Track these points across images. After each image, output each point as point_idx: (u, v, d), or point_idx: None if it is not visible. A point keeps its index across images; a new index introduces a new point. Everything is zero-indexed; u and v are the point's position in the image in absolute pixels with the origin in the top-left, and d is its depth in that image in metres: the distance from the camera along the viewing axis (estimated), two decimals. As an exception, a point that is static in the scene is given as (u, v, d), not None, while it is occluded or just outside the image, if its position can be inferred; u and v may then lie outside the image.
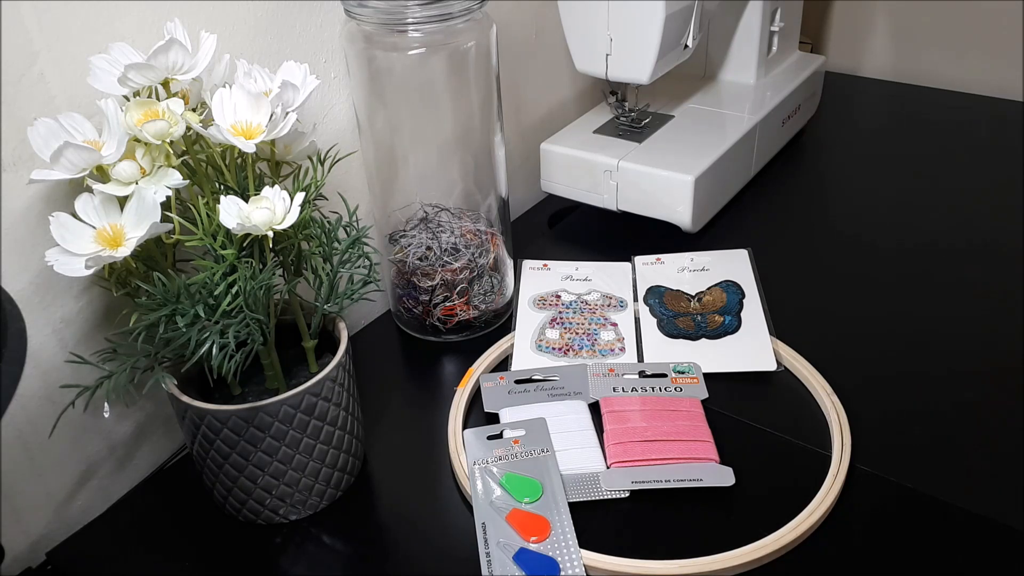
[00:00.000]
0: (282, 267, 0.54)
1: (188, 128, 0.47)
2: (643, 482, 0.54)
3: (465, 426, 0.61)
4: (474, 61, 0.63)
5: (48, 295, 0.53)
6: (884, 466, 0.55)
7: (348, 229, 0.55)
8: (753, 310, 0.69)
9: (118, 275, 0.49)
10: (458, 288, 0.68)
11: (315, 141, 0.56)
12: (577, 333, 0.68)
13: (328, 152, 0.56)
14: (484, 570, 0.49)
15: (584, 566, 0.49)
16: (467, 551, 0.51)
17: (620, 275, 0.75)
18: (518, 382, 0.63)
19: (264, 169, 0.54)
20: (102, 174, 0.46)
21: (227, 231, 0.47)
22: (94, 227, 0.46)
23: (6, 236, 0.50)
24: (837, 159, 0.95)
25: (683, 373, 0.63)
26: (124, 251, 0.45)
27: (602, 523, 0.53)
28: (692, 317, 0.69)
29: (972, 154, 0.93)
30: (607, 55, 0.77)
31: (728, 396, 0.62)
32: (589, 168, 0.81)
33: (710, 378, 0.63)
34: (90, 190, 0.46)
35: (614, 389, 0.62)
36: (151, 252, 0.49)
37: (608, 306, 0.71)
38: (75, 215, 0.46)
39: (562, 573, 0.48)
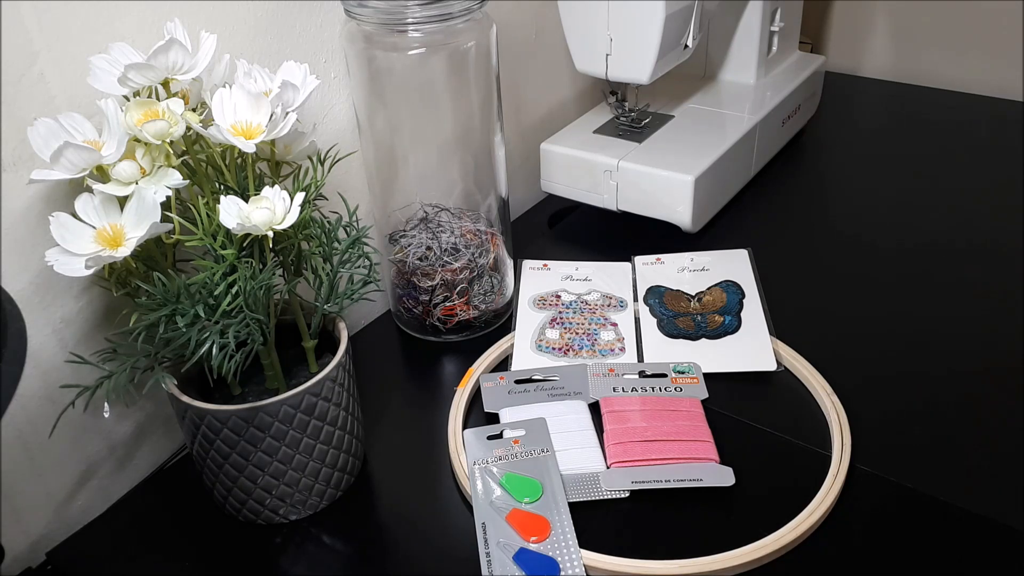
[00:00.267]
0: (282, 267, 0.54)
1: (188, 128, 0.47)
2: (643, 482, 0.54)
3: (465, 426, 0.61)
4: (474, 61, 0.63)
5: (48, 295, 0.53)
6: (884, 466, 0.55)
7: (348, 229, 0.55)
8: (753, 310, 0.69)
9: (118, 275, 0.49)
10: (458, 288, 0.68)
11: (315, 141, 0.56)
12: (577, 333, 0.68)
13: (328, 152, 0.56)
14: (484, 570, 0.49)
15: (584, 566, 0.49)
16: (467, 551, 0.51)
17: (620, 275, 0.75)
18: (518, 382, 0.63)
19: (264, 169, 0.54)
20: (102, 174, 0.46)
21: (227, 231, 0.47)
22: (94, 227, 0.46)
23: (6, 236, 0.50)
24: (837, 159, 0.95)
25: (683, 373, 0.63)
26: (124, 251, 0.45)
27: (602, 523, 0.53)
28: (692, 317, 0.69)
29: (972, 154, 0.93)
30: (607, 55, 0.77)
31: (728, 396, 0.62)
32: (589, 168, 0.81)
33: (710, 378, 0.63)
34: (90, 190, 0.46)
35: (614, 389, 0.62)
36: (151, 252, 0.49)
37: (608, 306, 0.71)
38: (75, 215, 0.46)
39: (562, 573, 0.48)
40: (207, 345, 0.47)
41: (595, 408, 0.61)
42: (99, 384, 0.49)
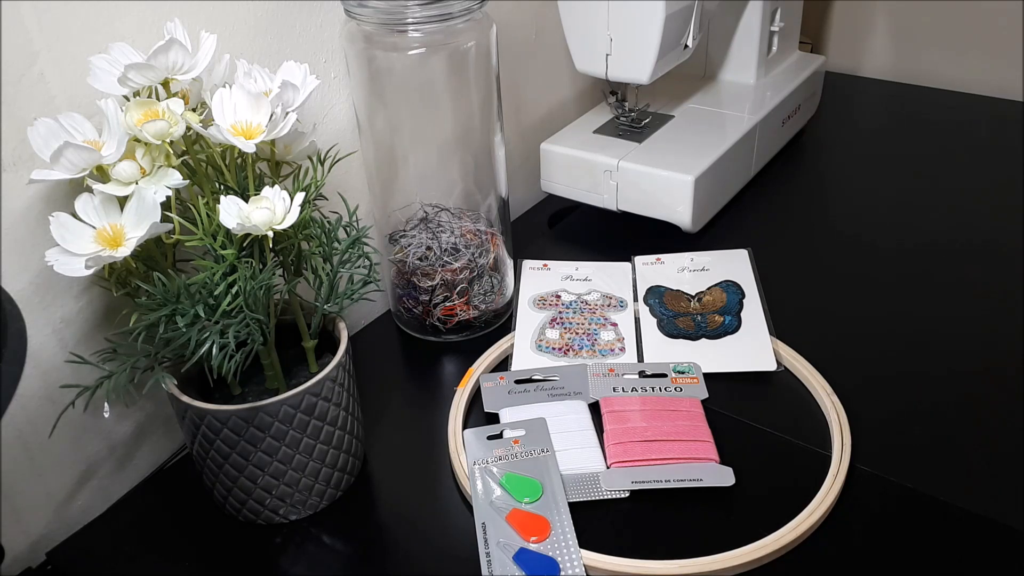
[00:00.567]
0: (282, 267, 0.54)
1: (188, 128, 0.47)
2: (643, 482, 0.54)
3: (465, 426, 0.61)
4: (474, 61, 0.63)
5: (48, 295, 0.53)
6: (884, 466, 0.55)
7: (348, 229, 0.55)
8: (753, 310, 0.69)
9: (118, 275, 0.49)
10: (458, 288, 0.68)
11: (315, 141, 0.56)
12: (577, 333, 0.68)
13: (328, 152, 0.56)
14: (484, 570, 0.49)
15: (584, 566, 0.49)
16: (467, 551, 0.51)
17: (620, 275, 0.75)
18: (518, 382, 0.63)
19: (264, 169, 0.54)
20: (102, 174, 0.46)
21: (227, 231, 0.47)
22: (94, 227, 0.46)
23: (6, 236, 0.50)
24: (837, 159, 0.95)
25: (683, 373, 0.63)
26: (124, 251, 0.45)
27: (602, 523, 0.53)
28: (692, 317, 0.69)
29: (972, 154, 0.93)
30: (607, 55, 0.77)
31: (728, 396, 0.62)
32: (589, 168, 0.81)
33: (710, 378, 0.63)
34: (90, 190, 0.46)
35: (614, 389, 0.62)
36: (151, 252, 0.49)
37: (608, 306, 0.71)
38: (75, 215, 0.46)
39: (562, 573, 0.48)
40: (207, 345, 0.47)
41: (595, 408, 0.61)
42: (99, 384, 0.49)
